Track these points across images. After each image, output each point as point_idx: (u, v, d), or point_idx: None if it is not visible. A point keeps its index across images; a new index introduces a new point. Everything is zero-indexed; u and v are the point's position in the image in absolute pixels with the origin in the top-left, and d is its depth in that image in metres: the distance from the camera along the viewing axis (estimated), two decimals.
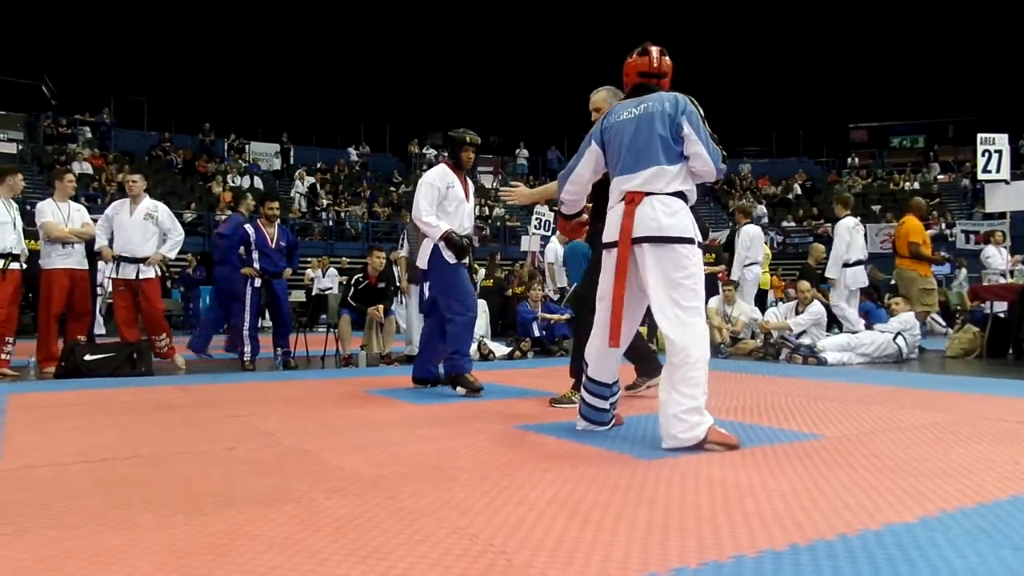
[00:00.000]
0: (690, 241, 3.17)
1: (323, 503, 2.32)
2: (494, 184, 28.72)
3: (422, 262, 5.26)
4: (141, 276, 7.09)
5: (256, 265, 7.36)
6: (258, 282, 7.34)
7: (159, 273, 7.50)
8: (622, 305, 3.25)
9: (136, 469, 2.88)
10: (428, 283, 5.41)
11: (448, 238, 5.09)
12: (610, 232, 3.33)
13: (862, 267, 8.84)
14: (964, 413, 4.10)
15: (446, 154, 5.47)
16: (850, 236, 8.68)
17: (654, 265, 3.15)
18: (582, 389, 3.59)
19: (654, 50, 3.45)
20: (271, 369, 7.23)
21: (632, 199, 3.21)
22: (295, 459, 3.04)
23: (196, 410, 4.55)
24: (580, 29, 34.18)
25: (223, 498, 2.39)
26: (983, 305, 8.80)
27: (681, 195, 3.24)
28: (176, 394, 5.35)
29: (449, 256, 5.12)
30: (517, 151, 30.41)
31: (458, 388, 5.12)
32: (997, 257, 11.74)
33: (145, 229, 7.14)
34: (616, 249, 3.26)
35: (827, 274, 8.99)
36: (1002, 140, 9.59)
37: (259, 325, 7.53)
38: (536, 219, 12.26)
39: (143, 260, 7.09)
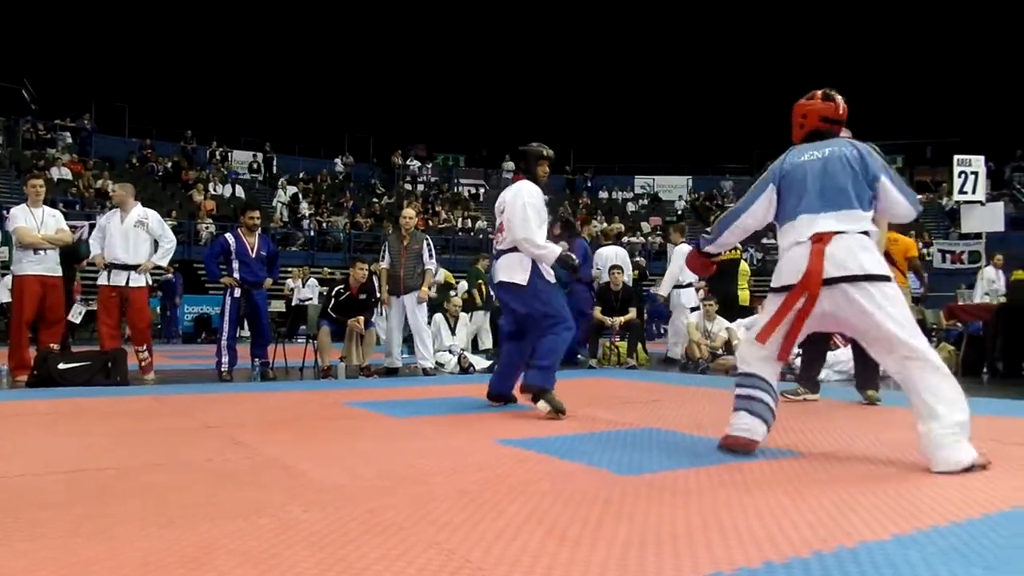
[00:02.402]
0: (890, 279, 3.17)
1: (300, 516, 2.30)
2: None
3: (519, 278, 4.80)
4: (131, 284, 7.02)
5: (236, 275, 7.32)
6: (238, 292, 7.30)
7: (149, 283, 7.42)
8: (795, 340, 3.31)
9: (111, 480, 2.85)
10: (515, 302, 4.94)
11: (564, 259, 4.84)
12: (789, 274, 3.26)
13: (692, 288, 9.71)
14: None
15: (520, 168, 5.16)
16: (683, 260, 9.03)
17: (870, 304, 3.08)
18: (743, 387, 3.44)
19: (839, 98, 3.50)
20: (249, 380, 7.18)
21: (820, 239, 3.17)
22: (272, 471, 3.02)
23: (172, 421, 4.51)
24: (564, 44, 34.43)
25: (199, 511, 2.37)
26: (958, 324, 8.90)
27: (867, 234, 3.22)
28: (152, 404, 5.29)
29: (550, 275, 4.89)
30: (503, 163, 30.50)
31: (539, 404, 4.66)
32: (1000, 280, 11.84)
33: (136, 237, 7.09)
34: (796, 290, 3.20)
35: (659, 292, 10.07)
36: (978, 162, 9.75)
37: (237, 335, 7.48)
38: None
39: (134, 268, 7.04)
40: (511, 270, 4.85)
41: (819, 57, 32.80)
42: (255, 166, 26.51)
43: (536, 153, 5.10)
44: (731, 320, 8.77)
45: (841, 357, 7.68)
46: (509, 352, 5.19)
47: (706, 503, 2.49)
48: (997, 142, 24.35)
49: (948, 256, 19.35)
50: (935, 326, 10.90)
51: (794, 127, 3.61)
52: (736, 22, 33.98)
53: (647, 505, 2.46)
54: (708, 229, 3.74)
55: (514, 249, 4.86)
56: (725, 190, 29.60)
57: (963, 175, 9.72)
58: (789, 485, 2.76)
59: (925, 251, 20.47)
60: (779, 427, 4.25)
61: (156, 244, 7.24)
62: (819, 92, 3.54)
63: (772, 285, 3.39)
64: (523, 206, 4.79)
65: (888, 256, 8.82)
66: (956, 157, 9.82)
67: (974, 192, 9.68)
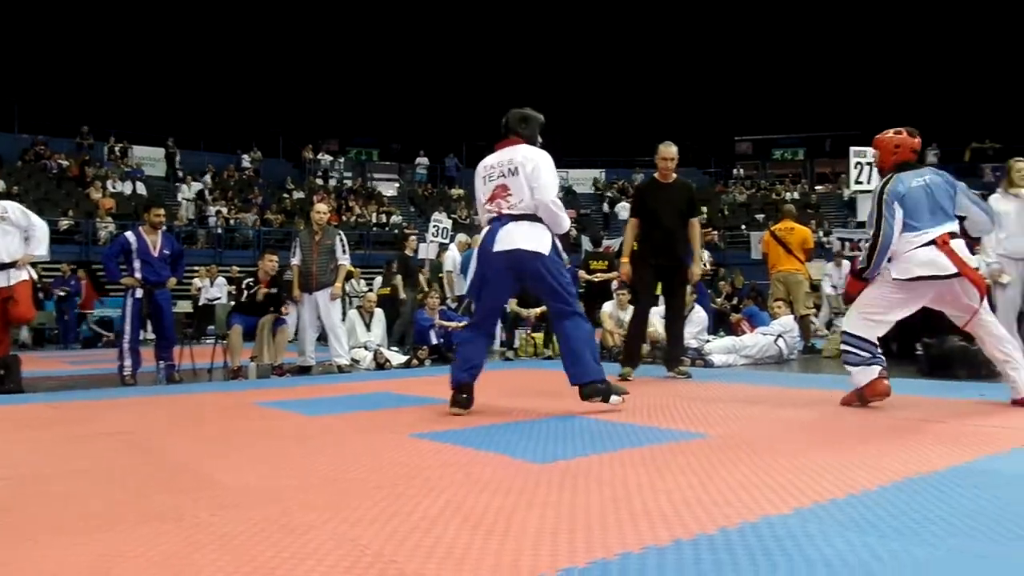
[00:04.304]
0: None
1: (208, 520, 2.24)
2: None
3: (543, 247, 4.33)
4: (12, 282, 6.61)
5: (137, 275, 7.04)
6: (139, 292, 7.02)
7: (32, 276, 7.00)
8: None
9: (1, 491, 2.70)
10: (532, 273, 4.39)
11: (567, 234, 4.61)
12: (922, 267, 4.21)
13: None
14: (837, 410, 4.33)
15: (518, 132, 4.68)
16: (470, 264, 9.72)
17: (972, 291, 4.24)
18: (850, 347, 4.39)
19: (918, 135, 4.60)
20: (154, 383, 6.92)
21: (945, 241, 4.20)
22: (179, 476, 2.92)
23: (70, 427, 4.31)
24: (475, 37, 34.36)
25: (99, 519, 2.27)
26: None
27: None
28: (48, 411, 5.05)
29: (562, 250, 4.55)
30: (417, 159, 30.27)
31: (612, 399, 4.40)
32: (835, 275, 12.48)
33: (2, 233, 6.65)
34: (946, 280, 4.19)
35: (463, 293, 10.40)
36: (873, 153, 10.20)
37: (141, 337, 7.19)
38: (433, 227, 12.19)
39: (11, 265, 6.65)
40: (535, 239, 4.34)
41: (726, 53, 33.86)
42: (179, 174, 25.30)
43: (541, 121, 4.78)
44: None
45: (748, 342, 7.98)
46: (578, 339, 4.46)
47: (618, 487, 2.54)
48: None
49: (847, 244, 20.19)
50: (837, 311, 11.41)
51: (885, 153, 4.63)
52: (644, 16, 34.65)
53: (560, 492, 2.49)
54: (861, 261, 4.63)
55: (527, 217, 4.40)
56: (636, 181, 30.20)
57: (859, 166, 10.15)
58: (697, 466, 2.84)
59: (825, 239, 21.34)
60: (685, 411, 4.38)
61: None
62: (905, 129, 4.60)
63: (896, 276, 4.27)
64: (549, 168, 4.48)
65: (785, 244, 9.31)
66: (852, 149, 10.26)
67: (869, 182, 10.12)
